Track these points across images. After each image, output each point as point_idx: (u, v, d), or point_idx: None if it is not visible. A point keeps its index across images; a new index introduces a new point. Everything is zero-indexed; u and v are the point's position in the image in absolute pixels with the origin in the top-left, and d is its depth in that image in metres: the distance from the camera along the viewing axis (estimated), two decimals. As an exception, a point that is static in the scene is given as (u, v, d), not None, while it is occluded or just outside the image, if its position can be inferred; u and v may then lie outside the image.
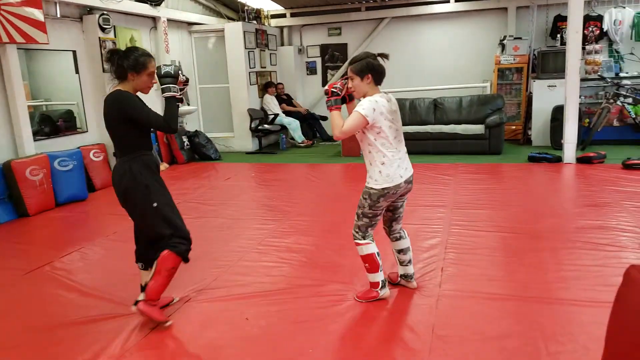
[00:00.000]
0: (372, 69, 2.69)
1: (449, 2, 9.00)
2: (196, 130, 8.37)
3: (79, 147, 6.13)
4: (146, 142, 2.75)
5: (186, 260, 2.74)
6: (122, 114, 2.61)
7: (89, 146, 6.31)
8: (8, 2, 5.08)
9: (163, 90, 2.68)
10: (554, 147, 7.26)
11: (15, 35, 5.20)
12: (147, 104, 2.70)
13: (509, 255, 3.52)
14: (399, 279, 3.09)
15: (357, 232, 2.86)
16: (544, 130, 7.60)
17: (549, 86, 7.52)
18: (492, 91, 8.28)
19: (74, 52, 6.31)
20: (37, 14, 5.39)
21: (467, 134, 7.36)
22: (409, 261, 3.03)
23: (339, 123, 2.70)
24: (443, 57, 9.36)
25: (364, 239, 2.83)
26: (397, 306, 2.85)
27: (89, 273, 3.59)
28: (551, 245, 3.64)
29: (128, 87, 2.68)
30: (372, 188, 2.75)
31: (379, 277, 2.87)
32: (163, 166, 7.50)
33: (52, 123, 6.32)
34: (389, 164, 2.72)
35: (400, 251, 3.02)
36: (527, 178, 5.86)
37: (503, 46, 8.20)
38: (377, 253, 2.86)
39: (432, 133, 7.54)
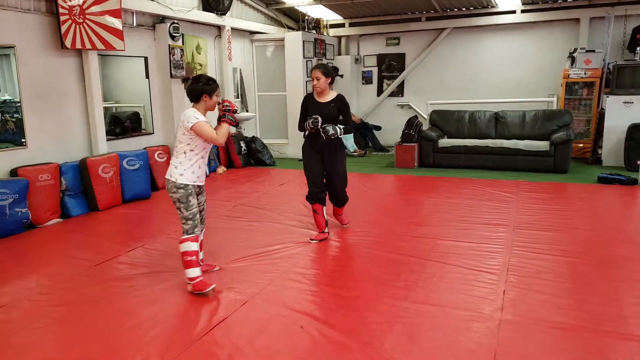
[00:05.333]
0: None
1: (515, 12, 8.72)
2: (253, 136, 8.55)
3: (145, 148, 6.42)
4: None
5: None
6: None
7: (154, 147, 6.59)
8: (92, 12, 5.43)
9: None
10: (627, 168, 6.84)
11: (97, 42, 5.55)
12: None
13: (578, 282, 3.32)
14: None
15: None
16: (617, 150, 7.17)
17: (625, 102, 7.09)
18: (559, 106, 7.92)
19: (146, 58, 6.64)
20: (117, 23, 5.73)
21: (531, 150, 7.07)
22: None
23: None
24: (506, 69, 9.08)
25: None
26: (456, 327, 2.76)
27: (148, 270, 3.73)
28: (627, 275, 3.40)
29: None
30: None
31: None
32: (221, 169, 7.71)
33: (121, 124, 6.67)
34: None
35: None
36: (597, 200, 5.54)
37: (573, 59, 7.83)
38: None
39: (493, 147, 7.30)
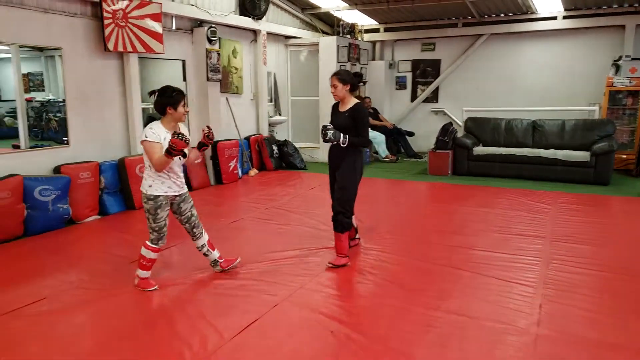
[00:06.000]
0: None
1: (556, 19, 8.51)
2: (285, 140, 8.61)
3: (180, 149, 6.55)
4: None
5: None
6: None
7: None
8: (134, 16, 5.60)
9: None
10: (674, 181, 6.56)
11: (138, 45, 5.71)
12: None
13: (620, 299, 3.19)
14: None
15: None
16: (663, 162, 6.88)
17: (672, 113, 6.80)
18: (601, 115, 7.67)
19: (184, 61, 6.80)
20: (157, 27, 5.88)
21: (570, 160, 6.85)
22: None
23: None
24: (545, 76, 8.86)
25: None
26: (490, 339, 2.69)
27: (182, 270, 3.79)
28: (673, 294, 3.25)
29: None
30: None
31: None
32: (253, 172, 7.79)
33: (158, 125, 6.82)
34: None
35: None
36: (640, 214, 5.32)
37: (617, 67, 7.58)
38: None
39: (530, 157, 7.12)
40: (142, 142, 3.22)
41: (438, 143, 7.67)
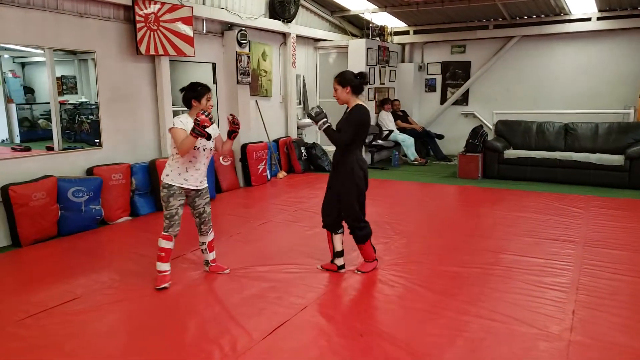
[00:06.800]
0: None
1: (590, 20, 8.28)
2: (314, 143, 8.63)
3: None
4: None
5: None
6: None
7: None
8: (165, 19, 5.72)
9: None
10: None
11: (169, 48, 5.83)
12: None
13: (658, 307, 3.08)
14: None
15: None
16: (702, 167, 6.60)
17: None
18: (636, 119, 7.42)
19: (214, 64, 6.90)
20: (188, 30, 5.99)
21: (603, 164, 6.66)
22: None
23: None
24: (578, 79, 8.63)
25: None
26: (521, 345, 2.64)
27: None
28: None
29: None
30: None
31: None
32: (281, 174, 7.84)
33: (188, 127, 6.95)
34: None
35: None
36: (680, 220, 5.12)
37: (654, 69, 7.32)
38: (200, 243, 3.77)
39: (561, 160, 6.94)
40: (170, 129, 3.40)
41: (468, 146, 7.56)
